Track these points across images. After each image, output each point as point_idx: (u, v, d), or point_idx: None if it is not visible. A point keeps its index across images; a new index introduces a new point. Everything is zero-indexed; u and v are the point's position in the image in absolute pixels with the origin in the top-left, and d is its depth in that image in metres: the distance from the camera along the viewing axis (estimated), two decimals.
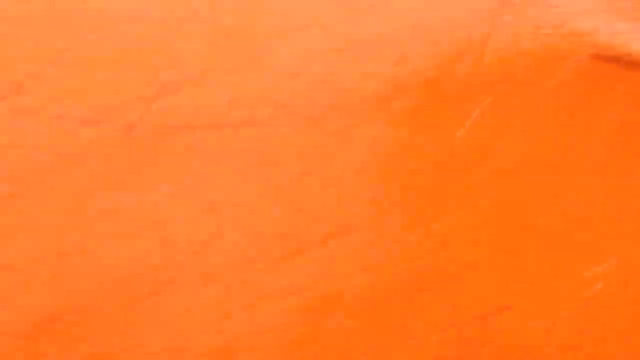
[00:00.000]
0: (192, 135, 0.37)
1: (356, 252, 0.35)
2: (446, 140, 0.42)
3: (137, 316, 0.33)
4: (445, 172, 0.41)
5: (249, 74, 0.40)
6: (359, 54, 0.43)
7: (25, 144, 0.33)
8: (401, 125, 0.42)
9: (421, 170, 0.40)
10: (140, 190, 0.34)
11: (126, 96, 0.36)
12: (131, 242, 0.33)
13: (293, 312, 0.33)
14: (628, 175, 0.48)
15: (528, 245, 0.41)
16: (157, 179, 0.35)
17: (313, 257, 0.35)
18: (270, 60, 0.41)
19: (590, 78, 0.49)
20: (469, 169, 0.41)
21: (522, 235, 0.41)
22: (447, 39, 0.46)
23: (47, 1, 0.36)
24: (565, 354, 0.40)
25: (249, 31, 0.41)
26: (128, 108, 0.35)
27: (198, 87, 0.37)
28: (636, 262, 0.45)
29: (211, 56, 0.39)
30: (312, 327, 0.33)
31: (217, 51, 0.39)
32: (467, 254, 0.38)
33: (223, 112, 0.38)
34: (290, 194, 0.37)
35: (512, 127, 0.45)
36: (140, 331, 0.32)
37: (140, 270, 0.33)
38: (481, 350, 0.35)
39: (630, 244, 0.46)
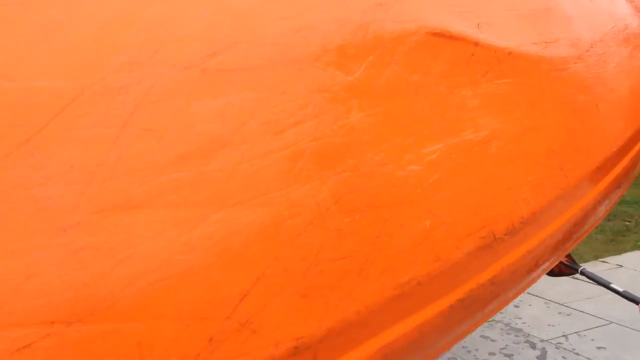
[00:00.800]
0: None
1: None
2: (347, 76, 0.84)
3: None
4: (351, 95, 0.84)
5: None
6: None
7: None
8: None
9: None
10: None
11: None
12: None
13: None
14: (447, 98, 0.93)
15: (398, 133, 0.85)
16: None
17: None
18: None
19: (427, 50, 0.93)
20: (364, 93, 0.84)
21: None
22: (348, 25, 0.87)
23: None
24: (414, 192, 0.86)
25: None
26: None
27: None
28: (455, 146, 0.92)
29: None
30: None
31: None
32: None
33: None
34: None
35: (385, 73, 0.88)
36: None
37: None
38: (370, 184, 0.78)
39: (450, 135, 0.93)
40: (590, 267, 4.67)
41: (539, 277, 1.20)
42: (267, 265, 0.68)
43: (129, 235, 0.61)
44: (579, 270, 3.07)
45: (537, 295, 4.56)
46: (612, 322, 4.03)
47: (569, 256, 3.05)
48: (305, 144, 0.75)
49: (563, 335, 3.91)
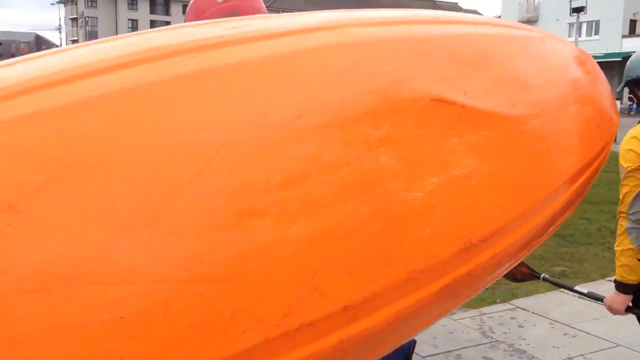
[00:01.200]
0: None
1: None
2: (377, 131, 1.25)
3: None
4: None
5: None
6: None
7: None
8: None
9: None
10: None
11: None
12: None
13: None
14: (442, 146, 1.35)
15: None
16: None
17: None
18: None
19: (429, 111, 1.34)
20: (388, 142, 1.25)
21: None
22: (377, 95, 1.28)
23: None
24: (419, 210, 1.27)
25: None
26: None
27: None
28: (447, 179, 1.34)
29: None
30: None
31: None
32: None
33: None
34: None
35: (399, 127, 1.29)
36: None
37: None
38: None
39: (443, 172, 1.36)
40: (597, 286, 4.65)
41: (503, 272, 1.62)
42: (329, 253, 1.08)
43: (251, 231, 1.01)
44: (541, 277, 3.18)
45: (541, 315, 4.38)
46: (619, 345, 3.89)
47: (527, 267, 3.20)
48: (352, 176, 1.15)
49: (568, 358, 3.77)
